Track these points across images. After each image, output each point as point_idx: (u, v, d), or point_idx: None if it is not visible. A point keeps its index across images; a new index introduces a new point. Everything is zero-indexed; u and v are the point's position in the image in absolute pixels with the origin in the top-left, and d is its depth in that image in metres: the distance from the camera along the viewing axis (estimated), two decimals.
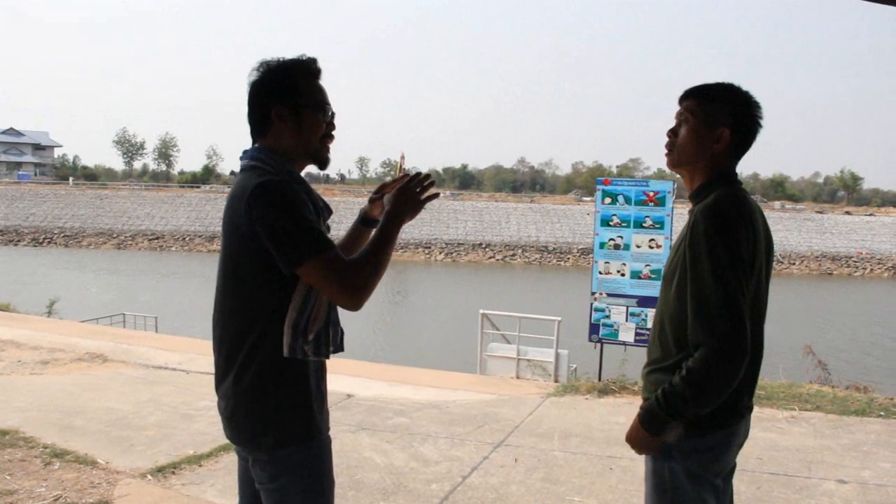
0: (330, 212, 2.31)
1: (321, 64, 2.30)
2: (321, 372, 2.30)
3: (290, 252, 2.07)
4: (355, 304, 2.13)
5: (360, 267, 2.13)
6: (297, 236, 2.07)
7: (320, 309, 2.17)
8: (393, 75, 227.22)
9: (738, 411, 2.32)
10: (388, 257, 2.21)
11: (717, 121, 2.32)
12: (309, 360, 2.19)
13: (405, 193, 2.31)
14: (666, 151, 2.44)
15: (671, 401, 2.19)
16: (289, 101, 2.22)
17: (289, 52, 2.26)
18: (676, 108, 2.43)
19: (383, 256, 2.19)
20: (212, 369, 2.36)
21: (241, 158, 2.27)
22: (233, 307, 2.21)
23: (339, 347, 2.31)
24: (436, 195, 2.39)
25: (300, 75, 2.25)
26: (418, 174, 2.36)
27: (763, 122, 2.37)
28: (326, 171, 2.44)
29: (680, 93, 2.43)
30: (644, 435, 2.30)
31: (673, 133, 2.41)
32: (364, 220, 2.59)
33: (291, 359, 2.15)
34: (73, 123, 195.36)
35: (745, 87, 2.38)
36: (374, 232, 2.26)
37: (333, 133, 2.33)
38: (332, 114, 2.32)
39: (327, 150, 2.33)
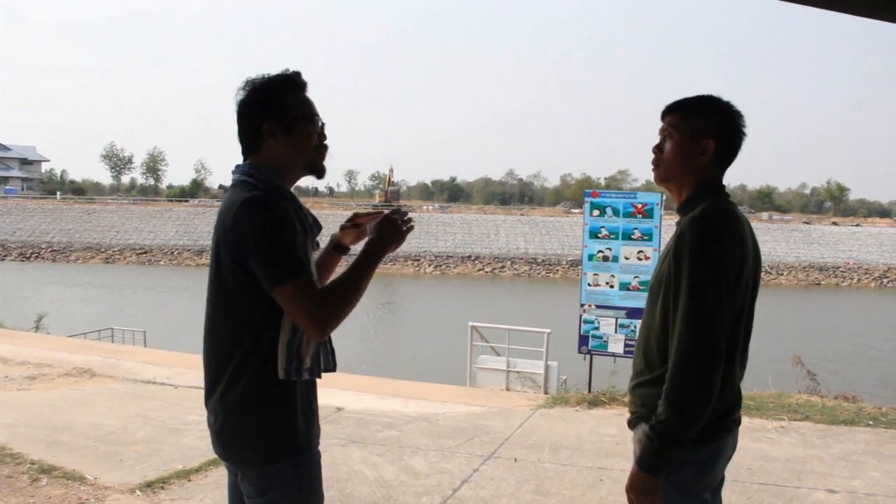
0: (319, 228, 2.31)
1: (309, 77, 2.32)
2: (311, 388, 2.30)
3: (268, 273, 2.08)
4: (321, 333, 2.14)
5: (332, 297, 2.13)
6: (276, 258, 2.07)
7: None
8: (381, 88, 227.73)
9: (726, 425, 2.32)
10: (364, 287, 2.21)
11: (701, 133, 2.33)
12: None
13: (391, 223, 2.31)
14: (653, 167, 2.45)
15: (661, 431, 2.17)
16: (278, 116, 2.23)
17: (277, 66, 2.28)
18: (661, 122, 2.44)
19: (361, 285, 2.20)
20: (200, 384, 2.36)
21: (233, 173, 2.28)
22: (222, 322, 2.21)
23: (331, 367, 2.31)
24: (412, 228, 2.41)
25: (286, 89, 2.27)
26: (398, 209, 2.37)
27: (746, 132, 2.37)
28: (315, 185, 2.45)
29: (664, 107, 2.44)
30: (644, 479, 2.23)
31: (658, 149, 2.41)
32: (336, 247, 2.61)
33: (275, 376, 2.16)
34: (61, 138, 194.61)
35: (726, 98, 2.39)
36: (356, 259, 2.24)
37: (326, 143, 2.34)
38: (322, 124, 2.33)
39: (323, 158, 2.35)
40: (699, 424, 2.17)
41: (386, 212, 2.36)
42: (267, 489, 2.22)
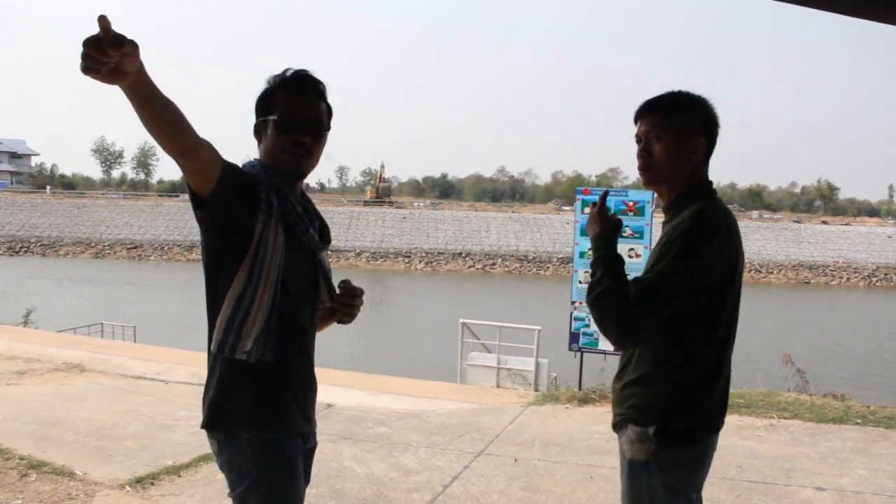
0: (311, 218, 2.34)
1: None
2: (273, 369, 2.27)
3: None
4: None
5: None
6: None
7: (258, 311, 2.18)
8: (373, 84, 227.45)
9: (715, 425, 2.32)
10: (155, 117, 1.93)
11: (690, 131, 2.32)
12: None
13: (346, 299, 2.46)
14: (641, 171, 2.42)
15: (593, 282, 2.31)
16: (260, 113, 2.31)
17: (270, 63, 2.29)
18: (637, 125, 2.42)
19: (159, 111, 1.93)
20: (190, 379, 2.39)
21: None
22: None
23: (268, 354, 2.23)
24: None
25: (275, 89, 2.30)
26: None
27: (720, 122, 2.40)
28: (306, 181, 2.44)
29: (638, 108, 2.42)
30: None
31: (646, 152, 2.37)
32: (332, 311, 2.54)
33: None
34: (51, 132, 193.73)
35: (713, 95, 2.40)
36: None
37: (304, 142, 2.28)
38: (298, 123, 2.27)
39: (294, 163, 2.29)
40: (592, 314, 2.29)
41: (352, 310, 2.49)
42: (235, 481, 2.27)
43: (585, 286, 8.11)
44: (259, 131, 2.33)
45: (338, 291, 2.47)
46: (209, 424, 2.27)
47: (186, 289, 36.04)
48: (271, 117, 2.27)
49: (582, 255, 8.34)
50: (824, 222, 73.43)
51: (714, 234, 2.18)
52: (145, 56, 1.72)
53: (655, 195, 8.05)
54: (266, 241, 2.17)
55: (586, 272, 8.27)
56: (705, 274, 2.18)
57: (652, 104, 2.38)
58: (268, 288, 2.18)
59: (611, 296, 2.21)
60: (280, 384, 2.30)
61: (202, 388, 2.31)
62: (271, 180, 2.24)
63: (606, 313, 2.22)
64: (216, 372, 2.26)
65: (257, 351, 2.19)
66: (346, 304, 2.47)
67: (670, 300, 2.15)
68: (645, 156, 2.38)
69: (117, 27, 1.59)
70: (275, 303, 2.20)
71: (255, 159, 2.34)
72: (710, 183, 2.39)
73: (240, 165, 2.23)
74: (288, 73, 2.31)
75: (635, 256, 8.10)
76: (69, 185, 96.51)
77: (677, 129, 2.32)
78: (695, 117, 2.34)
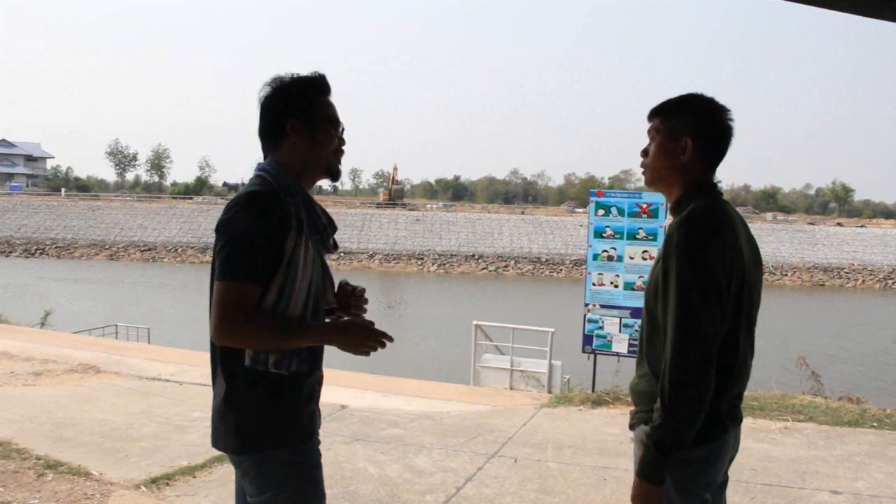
0: (334, 228, 2.36)
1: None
2: (301, 382, 2.28)
3: (219, 264, 2.12)
4: (216, 336, 2.13)
5: (256, 322, 2.11)
6: (231, 254, 2.10)
7: None
8: (386, 86, 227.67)
9: (723, 425, 2.29)
10: (285, 345, 2.16)
11: (678, 132, 2.32)
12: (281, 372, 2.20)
13: (357, 334, 2.24)
14: (641, 172, 2.46)
15: (658, 438, 2.15)
16: (304, 116, 2.28)
17: (281, 65, 2.30)
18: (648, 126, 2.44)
19: (287, 340, 2.16)
20: (204, 381, 2.40)
21: (255, 169, 2.32)
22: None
23: (307, 369, 2.27)
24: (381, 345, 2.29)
25: (314, 90, 2.31)
26: (383, 336, 2.29)
27: (733, 125, 2.34)
28: (319, 184, 2.48)
29: (650, 110, 2.44)
30: (647, 488, 2.20)
31: (645, 153, 2.42)
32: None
33: (263, 368, 2.18)
34: (66, 135, 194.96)
35: (722, 96, 2.36)
36: (310, 323, 2.25)
37: (344, 147, 2.39)
38: (343, 129, 2.38)
39: (339, 162, 2.40)
40: (694, 429, 2.15)
41: (364, 309, 2.47)
42: (264, 486, 2.23)
43: (599, 288, 8.19)
44: (283, 131, 2.28)
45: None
46: (240, 451, 2.23)
47: (200, 291, 36.17)
48: (324, 118, 2.31)
49: (595, 257, 8.32)
50: (839, 224, 73.04)
51: (700, 242, 2.15)
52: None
53: None
54: (297, 258, 2.18)
55: (599, 274, 8.28)
56: (711, 276, 2.15)
57: (657, 107, 2.41)
58: (300, 300, 2.20)
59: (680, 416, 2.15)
60: (310, 395, 2.32)
61: None
62: (300, 189, 2.26)
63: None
64: (237, 392, 2.20)
65: (295, 363, 2.22)
66: (358, 304, 2.50)
67: (704, 331, 2.13)
68: (644, 156, 2.44)
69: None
70: (305, 314, 2.22)
71: (276, 164, 2.27)
72: (713, 185, 2.37)
73: (267, 188, 2.17)
74: (321, 77, 2.33)
75: (649, 258, 8.08)
76: (84, 187, 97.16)
77: (668, 130, 2.34)
78: (682, 118, 2.33)
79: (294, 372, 2.21)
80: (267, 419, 2.21)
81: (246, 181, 2.50)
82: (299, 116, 2.27)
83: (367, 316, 2.45)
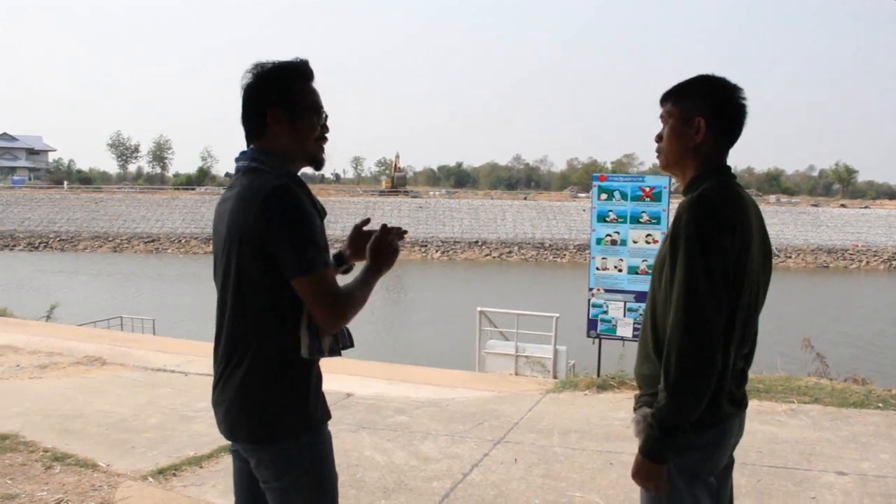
0: (324, 213, 2.33)
1: (315, 65, 2.32)
2: (315, 368, 2.32)
3: (295, 262, 2.11)
4: (334, 326, 2.21)
5: (348, 296, 2.21)
6: (304, 247, 2.11)
7: None
8: (387, 74, 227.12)
9: (725, 409, 2.28)
10: (367, 299, 2.31)
11: (691, 113, 2.30)
12: (308, 359, 2.22)
13: (381, 246, 2.41)
14: (657, 156, 2.45)
15: (662, 417, 2.15)
16: (284, 104, 2.24)
17: (282, 53, 2.28)
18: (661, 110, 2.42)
19: (365, 296, 2.29)
20: (210, 371, 2.38)
21: (238, 160, 2.29)
22: (237, 308, 2.23)
23: (349, 343, 2.37)
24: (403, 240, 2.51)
25: (294, 78, 2.27)
26: (396, 229, 2.47)
27: (746, 104, 2.31)
28: (321, 172, 2.47)
29: (662, 94, 2.42)
30: (649, 466, 2.21)
31: (659, 137, 2.41)
32: (339, 261, 2.62)
33: (291, 357, 2.19)
34: (67, 127, 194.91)
35: (729, 76, 2.34)
36: (361, 275, 2.35)
37: (327, 135, 2.36)
38: (326, 116, 2.34)
39: (322, 151, 2.37)
40: (698, 409, 2.15)
41: (377, 233, 2.46)
42: (282, 472, 2.25)
43: (603, 272, 8.17)
44: (267, 119, 2.24)
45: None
46: (269, 441, 2.24)
47: (204, 281, 36.24)
48: (305, 106, 2.27)
49: (599, 241, 8.30)
50: (843, 206, 72.87)
51: (709, 222, 2.13)
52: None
53: (673, 180, 8.03)
54: (328, 248, 2.26)
55: (603, 258, 8.27)
56: (719, 260, 2.14)
57: (669, 90, 2.38)
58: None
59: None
60: (319, 378, 2.35)
61: None
62: (302, 182, 2.26)
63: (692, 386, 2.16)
64: (260, 383, 2.21)
65: (340, 342, 2.32)
66: (398, 238, 2.53)
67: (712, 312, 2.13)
68: (658, 141, 2.42)
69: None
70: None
71: (266, 152, 2.25)
72: (727, 167, 2.36)
73: (286, 182, 2.16)
74: (303, 64, 2.29)
75: (653, 242, 8.06)
76: (86, 179, 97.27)
77: (680, 113, 2.32)
78: (694, 99, 2.31)
79: (309, 358, 2.24)
80: (290, 407, 2.23)
81: None
82: (280, 105, 2.23)
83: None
